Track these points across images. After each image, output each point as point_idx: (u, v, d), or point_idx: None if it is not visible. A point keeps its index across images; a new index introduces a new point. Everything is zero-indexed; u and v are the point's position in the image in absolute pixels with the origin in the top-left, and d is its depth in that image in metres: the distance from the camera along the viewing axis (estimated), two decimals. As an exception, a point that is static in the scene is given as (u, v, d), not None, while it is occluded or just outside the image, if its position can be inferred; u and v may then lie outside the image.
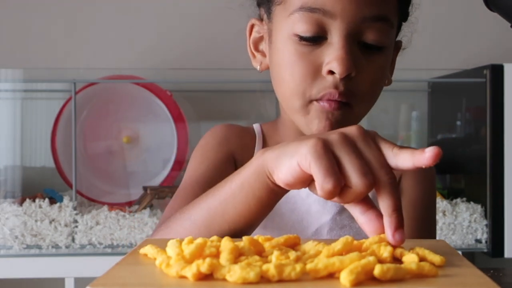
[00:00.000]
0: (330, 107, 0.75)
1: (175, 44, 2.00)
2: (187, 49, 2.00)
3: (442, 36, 2.03)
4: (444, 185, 1.85)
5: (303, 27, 0.75)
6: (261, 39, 0.84)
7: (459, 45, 2.05)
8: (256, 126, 0.89)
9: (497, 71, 1.61)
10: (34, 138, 1.93)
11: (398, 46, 0.86)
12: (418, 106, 2.01)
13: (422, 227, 0.84)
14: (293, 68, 0.76)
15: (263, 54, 0.84)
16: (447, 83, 1.90)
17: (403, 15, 0.83)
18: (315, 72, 0.75)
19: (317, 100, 0.75)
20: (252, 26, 0.85)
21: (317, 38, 0.75)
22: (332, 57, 0.74)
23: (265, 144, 0.87)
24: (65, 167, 1.74)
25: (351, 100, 0.76)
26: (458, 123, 1.85)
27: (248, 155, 0.84)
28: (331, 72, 0.74)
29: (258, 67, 0.85)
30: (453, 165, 1.86)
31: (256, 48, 0.85)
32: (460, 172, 1.83)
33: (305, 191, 0.81)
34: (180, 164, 1.76)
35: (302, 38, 0.75)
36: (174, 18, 2.02)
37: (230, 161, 0.85)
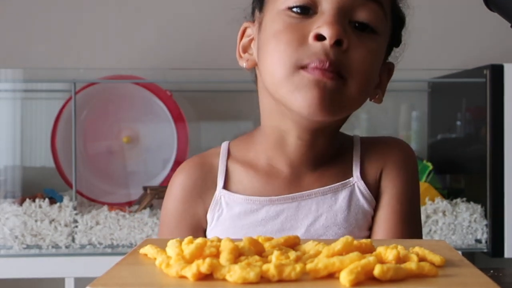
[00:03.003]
0: (322, 75, 0.71)
1: (175, 44, 2.00)
2: (187, 49, 2.00)
3: (442, 36, 2.03)
4: (444, 185, 1.85)
5: (294, 0, 0.74)
6: (250, 42, 0.83)
7: (459, 45, 2.05)
8: (224, 145, 0.86)
9: (497, 71, 1.61)
10: (34, 138, 1.93)
11: (389, 68, 0.84)
12: (418, 106, 2.00)
13: (407, 220, 0.82)
14: (278, 37, 0.74)
15: (251, 55, 0.82)
16: (447, 83, 1.90)
17: (395, 37, 0.82)
18: (301, 40, 0.72)
19: (303, 68, 0.71)
20: (244, 30, 0.84)
21: (307, 9, 0.74)
22: (321, 22, 0.72)
23: (230, 163, 0.84)
24: (65, 167, 1.74)
25: (345, 73, 0.72)
26: (458, 123, 1.85)
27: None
28: (319, 38, 0.71)
29: (244, 65, 0.82)
30: (453, 165, 1.86)
31: (245, 51, 0.84)
32: (460, 172, 1.82)
33: (275, 210, 0.80)
34: (180, 164, 1.76)
35: (291, 10, 0.74)
36: (174, 18, 2.02)
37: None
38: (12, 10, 1.99)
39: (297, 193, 0.80)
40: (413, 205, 0.84)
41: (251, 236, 0.52)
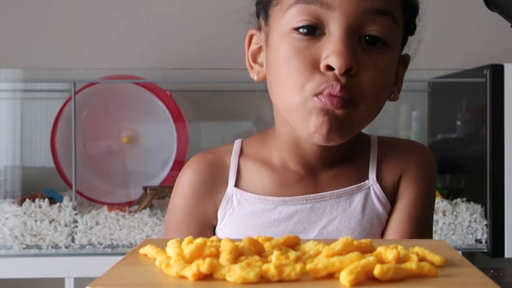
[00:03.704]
0: (331, 104, 0.70)
1: (175, 44, 2.00)
2: (187, 49, 2.00)
3: (442, 36, 2.03)
4: (444, 185, 1.85)
5: (299, 21, 0.72)
6: (259, 50, 0.81)
7: (459, 45, 2.05)
8: (237, 142, 0.85)
9: (497, 71, 1.61)
10: (34, 138, 1.93)
11: (405, 60, 0.82)
12: (418, 106, 2.00)
13: (422, 226, 0.81)
14: (289, 64, 0.72)
15: (261, 65, 0.80)
16: (447, 83, 1.90)
17: (409, 25, 0.79)
18: (313, 67, 0.71)
19: (317, 95, 0.70)
20: (251, 37, 0.82)
21: (314, 31, 0.71)
22: (330, 50, 0.70)
23: (242, 161, 0.82)
24: (65, 167, 1.74)
25: (355, 96, 0.71)
26: (458, 123, 1.85)
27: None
28: (329, 68, 0.70)
29: (255, 77, 0.81)
30: (453, 165, 1.86)
31: (255, 60, 0.82)
32: (460, 172, 1.83)
33: (288, 211, 0.79)
34: (180, 164, 1.76)
35: (298, 32, 0.72)
36: (174, 18, 2.02)
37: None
38: (12, 10, 1.99)
39: (311, 195, 0.79)
40: (428, 212, 0.83)
41: (251, 236, 0.52)
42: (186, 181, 0.83)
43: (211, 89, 1.99)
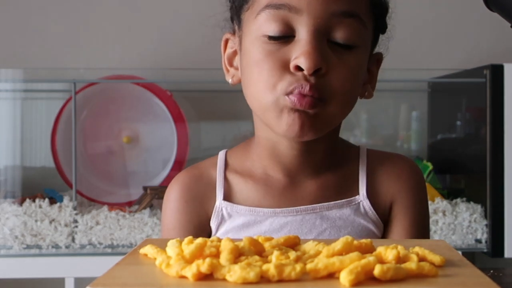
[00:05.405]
0: (301, 104, 0.72)
1: (175, 44, 2.00)
2: (187, 49, 2.00)
3: (442, 36, 2.03)
4: (444, 185, 1.85)
5: (269, 26, 0.74)
6: (234, 54, 0.83)
7: (459, 45, 2.05)
8: (221, 155, 0.86)
9: (497, 71, 1.61)
10: (34, 138, 1.93)
11: (378, 58, 0.83)
12: (418, 106, 2.01)
13: (419, 231, 0.82)
14: (260, 66, 0.74)
15: (236, 69, 0.82)
16: (447, 83, 1.90)
17: (380, 25, 0.81)
18: (283, 68, 0.73)
19: (288, 94, 0.72)
20: (227, 42, 0.84)
21: (284, 36, 0.73)
22: (299, 52, 0.72)
23: (228, 174, 0.83)
24: (65, 167, 1.74)
25: (325, 95, 0.73)
26: (458, 123, 1.85)
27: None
28: (299, 68, 0.72)
29: (230, 80, 0.83)
30: (453, 165, 1.86)
31: (231, 64, 0.84)
32: (460, 172, 1.83)
33: (278, 223, 0.80)
34: (180, 164, 1.76)
35: (269, 37, 0.74)
36: (174, 18, 2.02)
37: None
38: (12, 10, 1.99)
39: (301, 206, 0.80)
40: (426, 226, 0.84)
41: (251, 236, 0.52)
42: (175, 197, 0.84)
43: (211, 89, 1.99)
